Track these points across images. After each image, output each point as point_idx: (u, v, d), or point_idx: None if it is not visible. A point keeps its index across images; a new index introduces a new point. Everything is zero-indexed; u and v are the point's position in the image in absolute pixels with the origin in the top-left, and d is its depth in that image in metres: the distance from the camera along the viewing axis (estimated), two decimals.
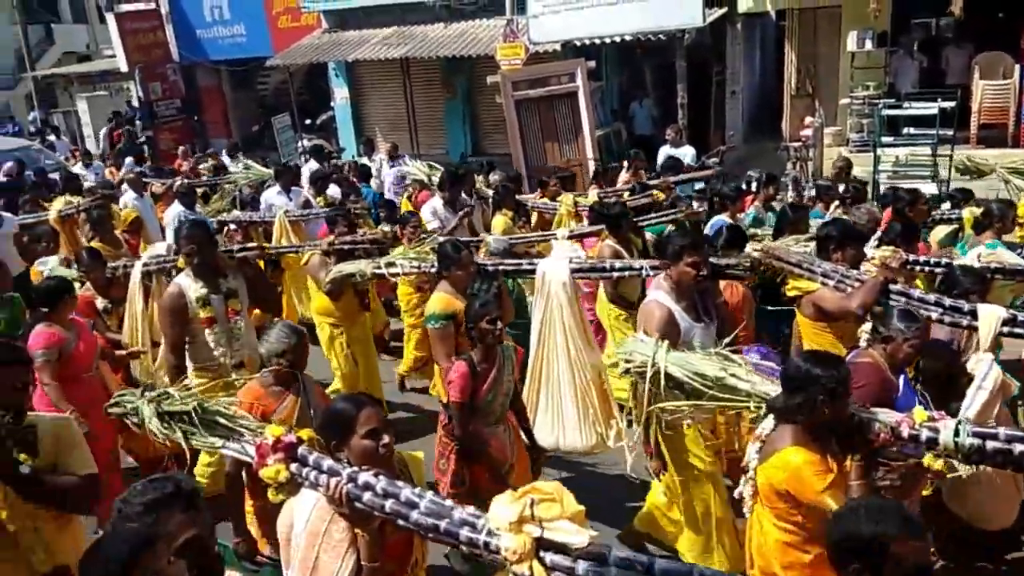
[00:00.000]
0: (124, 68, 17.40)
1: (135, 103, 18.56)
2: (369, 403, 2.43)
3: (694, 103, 11.94)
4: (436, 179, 8.59)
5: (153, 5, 17.30)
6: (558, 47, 11.83)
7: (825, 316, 3.91)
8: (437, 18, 14.08)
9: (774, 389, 2.86)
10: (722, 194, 6.47)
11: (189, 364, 4.41)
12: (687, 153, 9.25)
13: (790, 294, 4.07)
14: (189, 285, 4.32)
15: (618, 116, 13.90)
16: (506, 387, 3.69)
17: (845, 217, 5.61)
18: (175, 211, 8.11)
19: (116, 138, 17.25)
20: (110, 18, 17.21)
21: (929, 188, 8.48)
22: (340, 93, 15.84)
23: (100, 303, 5.34)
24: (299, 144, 15.20)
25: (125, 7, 17.20)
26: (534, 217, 7.61)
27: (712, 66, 13.19)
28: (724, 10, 11.87)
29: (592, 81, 11.05)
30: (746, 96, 13.59)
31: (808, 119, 11.76)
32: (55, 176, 11.93)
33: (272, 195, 8.41)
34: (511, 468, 3.72)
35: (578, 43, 11.59)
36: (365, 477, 2.21)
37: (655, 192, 7.24)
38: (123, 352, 5.09)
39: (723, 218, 6.14)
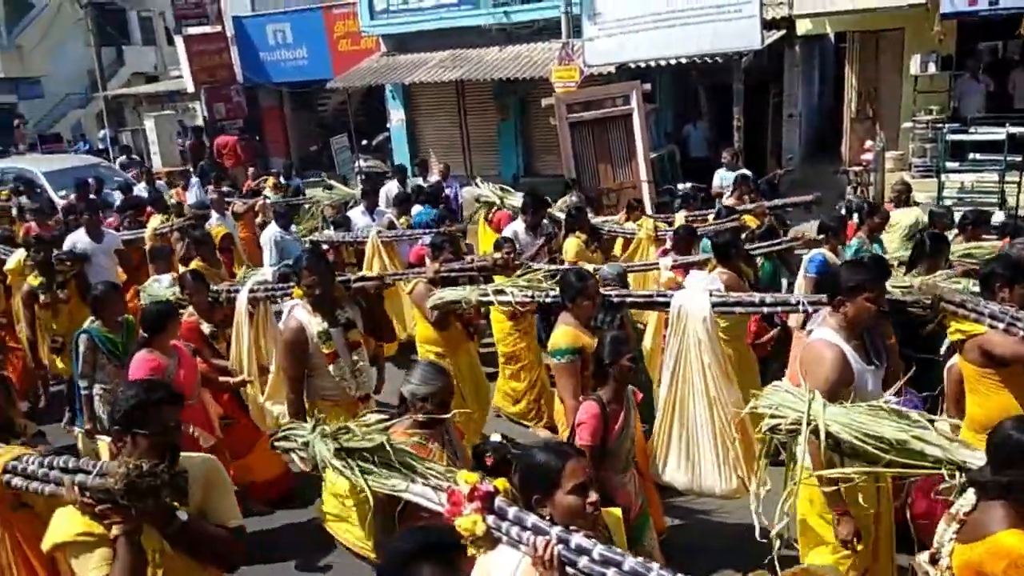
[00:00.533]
0: (190, 88, 18.02)
1: (200, 122, 19.18)
2: (574, 454, 2.23)
3: (750, 125, 11.82)
4: (511, 201, 8.61)
5: (219, 28, 17.91)
6: (612, 69, 11.86)
7: (994, 362, 3.54)
8: (493, 41, 14.27)
9: (971, 456, 2.52)
10: (824, 224, 5.93)
11: (307, 398, 4.27)
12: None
13: (952, 338, 3.71)
14: (309, 320, 4.12)
15: (672, 138, 13.85)
16: (632, 430, 3.50)
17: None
18: (272, 232, 8.11)
19: (194, 150, 17.56)
20: (179, 40, 17.87)
21: (997, 216, 8.22)
22: (396, 115, 16.14)
23: (205, 328, 5.24)
24: (356, 164, 15.53)
25: (193, 30, 17.84)
26: (619, 243, 7.36)
27: (769, 88, 13.06)
28: (783, 32, 11.75)
29: (646, 103, 11.04)
30: (804, 119, 13.40)
31: (869, 143, 11.54)
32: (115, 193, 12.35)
33: (356, 215, 8.39)
34: (638, 516, 3.44)
35: (633, 65, 11.60)
36: (578, 539, 2.00)
37: (746, 217, 6.92)
38: (230, 379, 4.97)
39: (823, 252, 5.64)
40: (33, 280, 6.30)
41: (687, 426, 4.01)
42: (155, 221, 8.53)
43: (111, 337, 4.78)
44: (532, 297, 4.56)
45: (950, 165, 9.98)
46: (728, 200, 8.15)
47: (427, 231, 7.20)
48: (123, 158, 18.40)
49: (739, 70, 11.09)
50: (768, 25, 11.07)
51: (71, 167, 14.19)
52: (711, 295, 4.12)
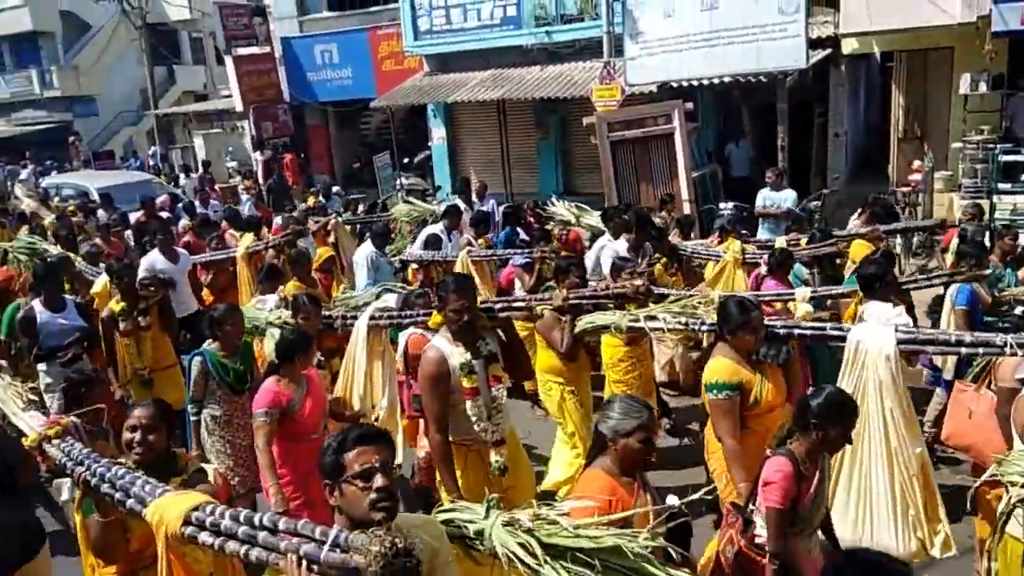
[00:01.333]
0: (239, 107, 18.48)
1: (248, 141, 19.63)
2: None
3: (794, 145, 11.69)
4: (587, 220, 8.35)
5: (268, 49, 18.37)
6: (654, 88, 11.86)
7: None
8: (534, 61, 14.39)
9: None
10: (963, 251, 5.45)
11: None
12: (788, 197, 9.02)
13: None
14: (451, 350, 3.66)
15: (713, 157, 13.75)
16: (827, 496, 3.16)
17: None
18: (367, 251, 7.60)
19: (267, 168, 17.56)
20: (228, 61, 18.36)
21: None
22: (438, 133, 16.32)
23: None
24: (397, 182, 15.72)
25: (242, 51, 18.31)
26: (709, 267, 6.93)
27: (814, 108, 12.91)
28: (828, 51, 11.63)
29: (688, 122, 11.00)
30: (850, 138, 13.21)
31: (917, 163, 11.33)
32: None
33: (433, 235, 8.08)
34: None
35: (675, 84, 11.58)
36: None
37: (857, 243, 6.52)
38: (344, 413, 4.57)
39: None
40: (114, 305, 5.95)
41: (860, 477, 3.64)
42: (247, 239, 8.17)
43: (225, 363, 4.52)
44: (686, 325, 4.17)
45: (1002, 186, 9.74)
46: (854, 222, 7.72)
47: (519, 251, 6.99)
48: (193, 177, 18.18)
49: (783, 89, 10.99)
50: (813, 44, 10.97)
51: (123, 183, 14.62)
52: (897, 330, 3.65)
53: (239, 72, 18.02)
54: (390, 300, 5.01)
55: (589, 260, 7.11)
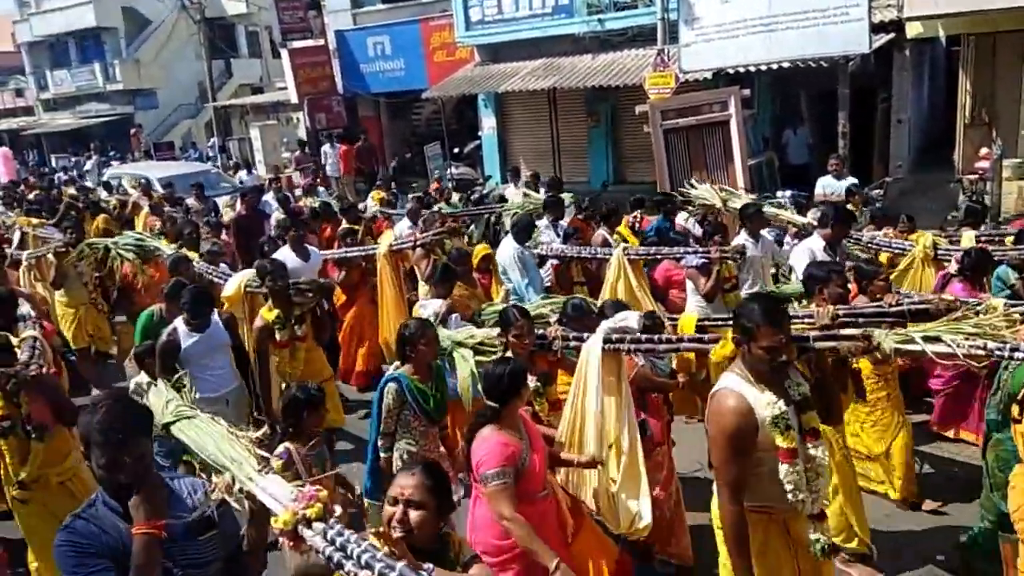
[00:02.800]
0: (294, 99, 18.81)
1: (303, 132, 19.96)
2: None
3: (855, 131, 11.38)
4: (734, 204, 7.20)
5: (322, 42, 18.63)
6: (709, 75, 11.66)
7: None
8: (586, 49, 14.29)
9: None
10: None
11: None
12: (847, 185, 8.80)
13: None
14: (757, 397, 2.78)
15: (770, 144, 13.48)
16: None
17: None
18: (513, 248, 6.81)
19: (346, 157, 17.40)
20: (284, 54, 18.69)
21: None
22: (488, 123, 16.36)
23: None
24: (448, 172, 15.82)
25: (297, 44, 18.61)
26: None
27: (876, 93, 12.55)
28: (892, 35, 11.27)
29: (744, 109, 10.79)
30: (913, 125, 12.80)
31: (984, 150, 10.92)
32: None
33: (540, 228, 7.50)
34: None
35: (731, 71, 11.37)
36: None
37: (917, 236, 5.96)
38: (573, 460, 3.67)
39: None
40: (267, 314, 5.20)
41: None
42: (389, 235, 7.45)
43: (423, 388, 3.87)
44: (984, 349, 3.10)
45: None
46: None
47: (693, 251, 5.99)
48: (254, 173, 17.27)
49: (845, 74, 10.69)
50: (876, 28, 10.64)
51: (182, 173, 15.04)
52: None
53: (294, 65, 18.33)
54: (631, 319, 3.96)
55: (796, 257, 5.81)
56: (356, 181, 17.27)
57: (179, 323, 4.84)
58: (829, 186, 8.84)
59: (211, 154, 24.06)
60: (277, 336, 5.20)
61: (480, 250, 7.06)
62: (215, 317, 4.97)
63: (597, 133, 15.04)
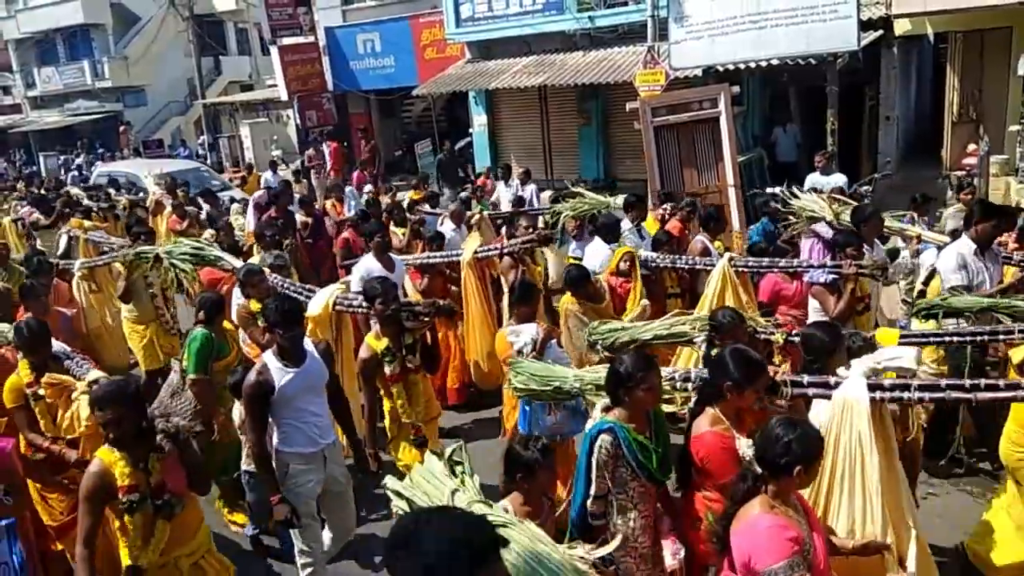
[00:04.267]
0: (284, 96, 18.74)
1: (292, 130, 19.90)
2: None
3: (844, 129, 11.44)
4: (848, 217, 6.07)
5: (312, 39, 18.57)
6: (699, 72, 11.70)
7: None
8: (576, 46, 14.31)
9: None
10: None
11: None
12: (838, 181, 8.83)
13: None
14: None
15: (759, 142, 13.54)
16: None
17: None
18: (603, 252, 6.27)
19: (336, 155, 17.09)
20: (273, 51, 18.61)
21: None
22: (479, 120, 16.35)
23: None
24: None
25: (287, 41, 18.54)
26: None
27: (864, 90, 12.62)
28: (880, 32, 11.34)
29: (734, 106, 10.83)
30: (901, 122, 12.88)
31: (972, 147, 11.01)
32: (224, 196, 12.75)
33: (623, 232, 6.92)
34: None
35: (720, 68, 11.40)
36: None
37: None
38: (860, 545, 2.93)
39: None
40: (375, 342, 4.41)
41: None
42: (474, 241, 6.59)
43: (644, 442, 3.05)
44: None
45: None
46: None
47: (822, 266, 5.07)
48: (280, 173, 15.99)
49: (834, 72, 10.75)
50: (864, 26, 10.69)
51: (172, 171, 14.95)
52: None
53: (284, 62, 18.26)
54: (906, 358, 3.13)
55: (946, 263, 4.89)
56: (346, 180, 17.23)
57: (269, 357, 3.85)
58: (818, 182, 8.88)
59: (201, 152, 23.95)
60: (387, 369, 4.33)
61: (622, 250, 6.01)
62: (309, 346, 3.96)
63: (588, 130, 15.07)
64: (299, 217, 9.11)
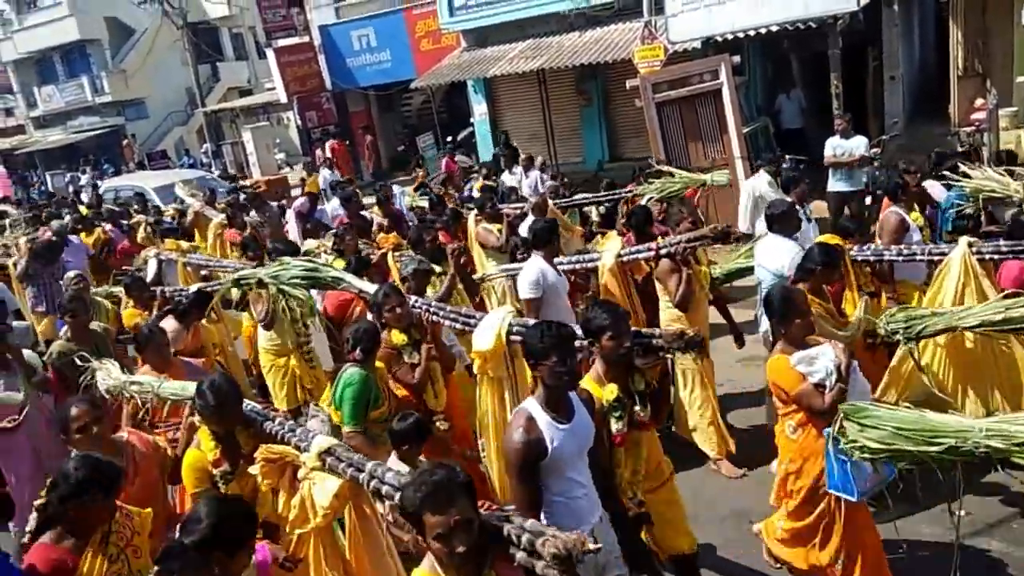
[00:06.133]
0: (283, 99, 18.75)
1: (294, 132, 19.90)
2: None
3: (848, 91, 11.30)
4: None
5: (307, 39, 18.54)
6: (698, 44, 11.57)
7: None
8: (572, 27, 14.19)
9: None
10: None
11: None
12: (860, 143, 8.71)
13: None
14: None
15: (763, 110, 13.41)
16: None
17: None
18: (790, 251, 4.98)
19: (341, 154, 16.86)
20: (270, 53, 18.60)
21: None
22: (479, 109, 16.28)
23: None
24: (442, 162, 15.77)
25: (282, 42, 18.51)
26: None
27: (867, 51, 12.45)
28: None
29: (735, 76, 10.71)
30: (906, 80, 12.70)
31: (979, 101, 10.84)
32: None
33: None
34: None
35: (720, 39, 11.27)
36: None
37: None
38: None
39: None
40: (601, 391, 3.31)
41: None
42: (615, 242, 5.58)
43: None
44: None
45: None
46: None
47: None
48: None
49: (835, 34, 10.60)
50: None
51: (176, 182, 14.96)
52: None
53: (280, 63, 18.25)
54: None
55: None
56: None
57: (535, 408, 2.86)
58: (839, 146, 8.76)
59: (204, 160, 24.02)
60: (614, 427, 3.15)
61: (830, 237, 4.94)
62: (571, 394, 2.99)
63: (589, 111, 14.98)
64: (375, 218, 8.43)
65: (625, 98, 12.62)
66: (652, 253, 5.09)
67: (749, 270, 5.73)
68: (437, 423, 4.29)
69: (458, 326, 4.49)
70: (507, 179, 11.88)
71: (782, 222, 5.08)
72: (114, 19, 30.03)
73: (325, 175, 14.09)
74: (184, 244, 8.14)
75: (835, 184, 8.79)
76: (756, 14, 10.48)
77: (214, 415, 3.35)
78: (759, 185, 7.67)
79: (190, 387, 3.71)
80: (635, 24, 12.46)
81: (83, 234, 9.43)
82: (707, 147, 10.52)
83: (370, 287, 4.89)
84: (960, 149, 10.29)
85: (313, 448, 3.02)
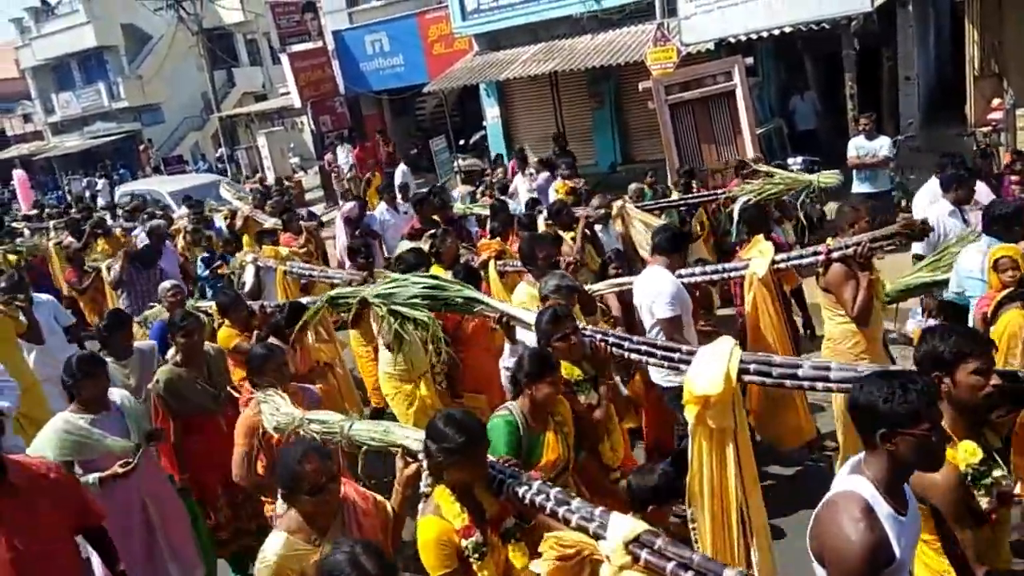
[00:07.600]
0: (297, 104, 18.84)
1: (308, 136, 20.02)
2: None
3: (862, 92, 11.24)
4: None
5: (321, 44, 18.65)
6: (711, 46, 11.55)
7: None
8: (584, 30, 14.19)
9: None
10: None
11: None
12: (883, 144, 8.65)
13: None
14: None
15: (777, 112, 13.36)
16: None
17: None
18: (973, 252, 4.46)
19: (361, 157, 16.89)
20: (284, 59, 18.71)
21: None
22: (492, 112, 16.31)
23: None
24: (455, 165, 15.82)
25: (296, 48, 18.63)
26: None
27: (881, 52, 12.37)
28: None
29: (749, 78, 10.68)
30: (922, 81, 12.61)
31: (996, 101, 10.74)
32: None
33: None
34: None
35: (733, 40, 11.24)
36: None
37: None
38: None
39: None
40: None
41: None
42: (768, 249, 4.77)
43: None
44: None
45: None
46: None
47: None
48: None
49: (848, 35, 10.55)
50: None
51: (191, 186, 15.13)
52: None
53: (294, 68, 18.34)
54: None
55: None
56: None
57: (868, 490, 2.08)
58: (863, 147, 8.70)
59: (220, 165, 24.20)
60: (983, 503, 2.48)
61: (1002, 251, 4.03)
62: None
63: (601, 114, 14.97)
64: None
65: (638, 100, 12.60)
66: (822, 257, 4.27)
67: (929, 286, 4.73)
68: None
69: (654, 362, 3.57)
70: (518, 182, 11.90)
71: (1002, 223, 4.19)
72: (131, 26, 30.34)
73: (402, 169, 13.35)
74: (283, 250, 7.08)
75: (859, 186, 8.76)
76: (769, 15, 10.45)
77: (461, 459, 2.55)
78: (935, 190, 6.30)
79: (395, 428, 2.99)
80: (647, 26, 12.45)
81: (104, 239, 9.40)
82: (720, 149, 10.49)
83: (521, 313, 3.99)
84: (975, 149, 10.21)
85: (614, 535, 2.21)
